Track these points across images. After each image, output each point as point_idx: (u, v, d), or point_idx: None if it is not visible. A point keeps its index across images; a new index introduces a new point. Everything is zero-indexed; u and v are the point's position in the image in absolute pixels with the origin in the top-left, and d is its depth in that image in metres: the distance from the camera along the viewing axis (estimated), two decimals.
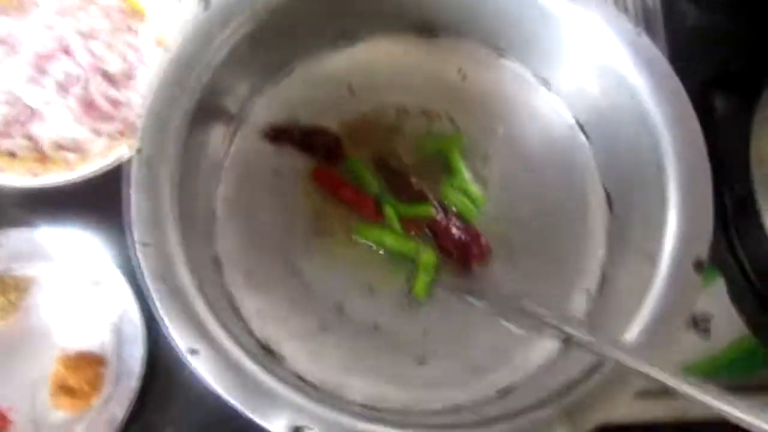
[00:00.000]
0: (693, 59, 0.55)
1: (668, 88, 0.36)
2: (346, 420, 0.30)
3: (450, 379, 0.39)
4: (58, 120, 0.56)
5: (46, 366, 0.55)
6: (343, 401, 0.36)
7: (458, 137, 0.43)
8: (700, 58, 0.55)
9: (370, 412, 0.35)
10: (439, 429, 0.31)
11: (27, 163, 0.56)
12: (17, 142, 0.56)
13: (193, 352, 0.30)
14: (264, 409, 0.30)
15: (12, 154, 0.57)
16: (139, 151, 0.33)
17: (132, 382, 0.53)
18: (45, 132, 0.56)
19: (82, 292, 0.56)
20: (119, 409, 0.53)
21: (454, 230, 0.40)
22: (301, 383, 0.36)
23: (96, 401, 0.54)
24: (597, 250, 0.42)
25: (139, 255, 0.31)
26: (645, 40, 0.37)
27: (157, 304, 0.31)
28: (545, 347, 0.39)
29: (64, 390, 0.54)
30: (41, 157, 0.57)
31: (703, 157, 0.35)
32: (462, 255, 0.40)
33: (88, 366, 0.55)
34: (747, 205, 0.48)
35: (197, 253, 0.36)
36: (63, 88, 0.57)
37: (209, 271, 0.38)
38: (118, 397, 0.53)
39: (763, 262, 0.49)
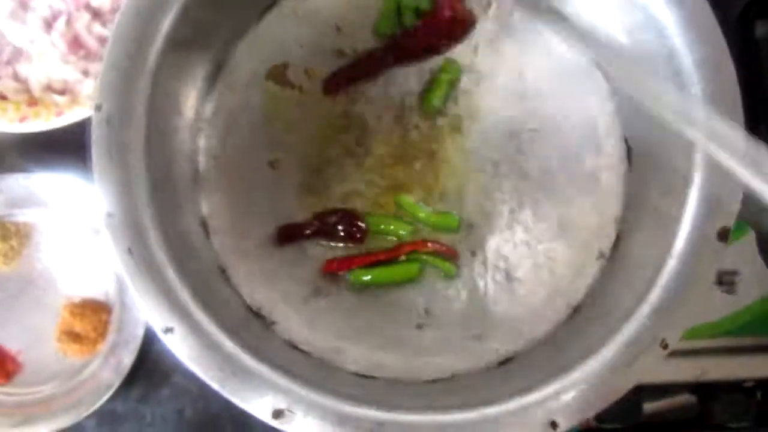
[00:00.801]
0: None
1: (701, 26, 0.31)
2: (329, 402, 0.29)
3: (449, 346, 0.37)
4: (44, 59, 0.53)
5: (53, 312, 0.55)
6: (335, 372, 0.34)
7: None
8: None
9: (361, 384, 0.33)
10: (427, 411, 0.29)
11: (18, 106, 0.54)
12: (6, 84, 0.54)
13: (168, 330, 0.29)
14: (244, 391, 0.29)
15: (2, 97, 0.55)
16: (98, 108, 0.30)
17: (137, 330, 0.53)
18: (33, 73, 0.54)
19: (84, 239, 0.55)
20: (126, 355, 0.53)
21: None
22: (292, 352, 0.35)
23: (102, 347, 0.55)
24: (613, 208, 0.38)
25: (105, 226, 0.29)
26: None
27: (127, 279, 0.29)
28: (551, 315, 0.37)
29: (71, 336, 0.55)
30: (31, 99, 0.55)
31: (738, 109, 0.30)
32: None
33: (93, 313, 0.55)
34: None
35: (179, 218, 0.33)
36: (47, 24, 0.53)
37: (195, 235, 0.36)
38: (124, 343, 0.54)
39: None
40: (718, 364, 0.45)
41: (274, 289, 0.38)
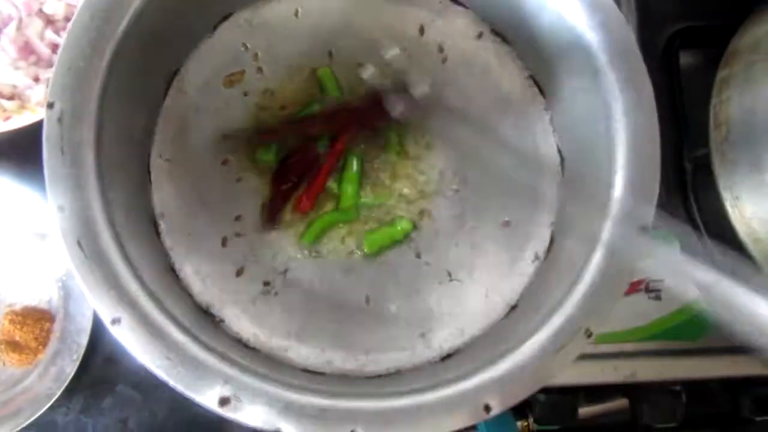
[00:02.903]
0: (661, 13, 0.53)
1: (623, 46, 0.34)
2: (273, 390, 0.30)
3: (396, 343, 0.39)
4: None
5: None
6: (284, 367, 0.35)
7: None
8: (668, 11, 0.53)
9: (309, 378, 0.34)
10: (368, 398, 0.30)
11: None
12: None
13: (116, 321, 0.29)
14: (190, 379, 0.29)
15: None
16: (50, 105, 0.30)
17: (80, 338, 0.53)
18: None
19: (27, 246, 0.55)
20: (68, 365, 0.52)
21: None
22: (241, 348, 0.36)
23: (43, 357, 0.53)
24: (548, 215, 0.41)
25: (56, 220, 0.30)
26: None
27: (74, 271, 0.29)
28: (490, 313, 0.39)
29: (11, 345, 0.53)
30: None
31: (654, 123, 0.34)
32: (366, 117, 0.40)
33: (35, 322, 0.54)
34: (705, 166, 0.47)
35: (127, 218, 0.34)
36: None
37: (145, 234, 0.36)
38: (67, 352, 0.53)
39: (718, 226, 0.48)
40: (646, 366, 0.48)
41: (223, 288, 0.38)
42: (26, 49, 0.54)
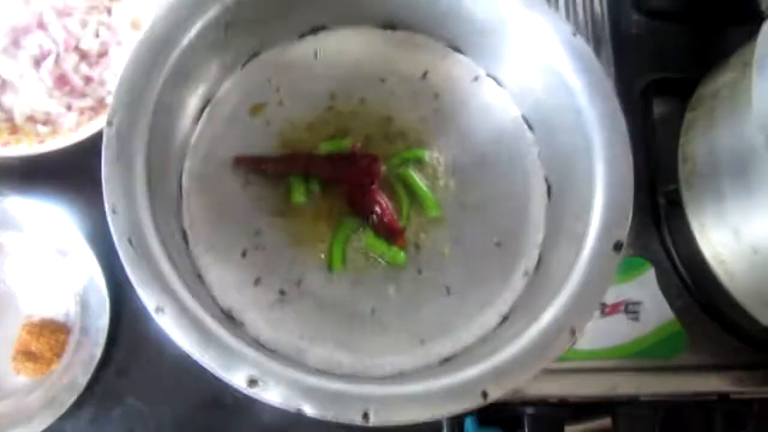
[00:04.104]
0: (636, 65, 0.60)
1: (601, 89, 0.40)
2: (296, 375, 0.33)
3: (398, 349, 0.42)
4: (30, 93, 0.58)
5: (11, 332, 0.56)
6: (299, 365, 0.39)
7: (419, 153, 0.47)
8: (643, 64, 0.59)
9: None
10: (379, 384, 0.34)
11: (0, 133, 0.57)
12: None
13: (159, 310, 0.33)
14: (223, 361, 0.33)
15: None
16: (110, 123, 0.35)
17: (94, 351, 0.55)
18: (17, 104, 0.58)
19: (49, 261, 0.58)
20: (80, 376, 0.55)
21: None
22: (260, 348, 0.39)
23: (57, 367, 0.56)
24: (537, 235, 0.45)
25: (110, 220, 0.34)
26: (580, 41, 0.40)
27: (126, 266, 0.33)
28: (485, 323, 0.43)
29: (27, 355, 0.56)
30: (13, 128, 0.59)
31: (627, 152, 0.39)
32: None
33: (51, 333, 0.56)
34: (676, 201, 0.53)
35: (166, 224, 0.38)
36: (36, 61, 0.58)
37: (177, 241, 0.40)
38: (80, 364, 0.55)
39: (688, 253, 0.53)
40: (626, 381, 0.52)
41: (243, 295, 0.42)
42: (62, 81, 0.58)
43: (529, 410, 0.53)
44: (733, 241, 0.46)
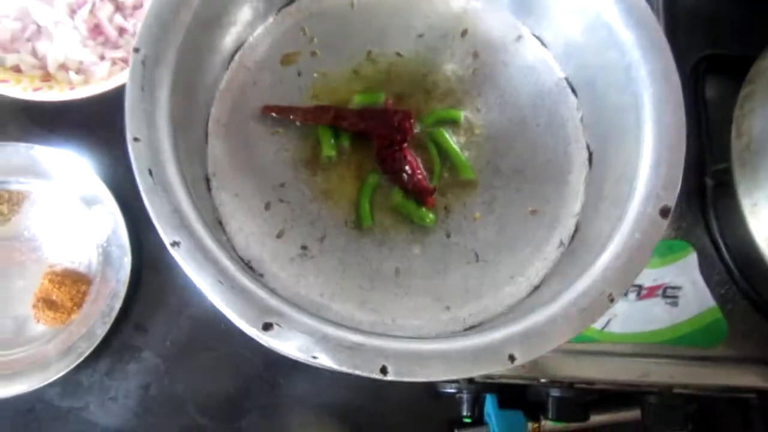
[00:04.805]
0: (688, 41, 0.57)
1: (654, 43, 0.37)
2: (310, 321, 0.32)
3: (422, 312, 0.40)
4: (64, 41, 0.57)
5: (33, 280, 0.56)
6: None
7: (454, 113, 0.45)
8: (696, 40, 0.56)
9: None
10: (399, 339, 0.32)
11: (32, 79, 0.57)
12: (23, 58, 0.58)
13: (175, 244, 0.32)
14: (237, 303, 0.32)
15: (17, 70, 0.58)
16: (136, 50, 0.34)
17: (113, 303, 0.55)
18: (51, 51, 0.57)
19: (75, 211, 0.58)
20: (99, 327, 0.54)
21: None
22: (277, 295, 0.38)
23: (76, 317, 0.56)
24: (574, 204, 0.43)
25: (130, 149, 0.33)
26: None
27: (144, 197, 0.32)
28: (514, 292, 0.41)
29: (47, 304, 0.56)
30: (45, 75, 0.58)
31: (681, 112, 0.36)
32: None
33: (73, 283, 0.56)
34: (725, 183, 0.50)
35: (189, 163, 0.37)
36: (72, 10, 0.58)
37: (199, 186, 0.39)
38: (99, 315, 0.55)
39: (736, 237, 0.50)
40: (658, 369, 0.50)
41: (264, 246, 0.41)
42: (96, 30, 0.58)
43: (554, 392, 0.51)
44: None
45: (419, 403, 0.58)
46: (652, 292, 0.51)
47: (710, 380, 0.50)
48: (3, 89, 0.54)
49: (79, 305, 0.56)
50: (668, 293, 0.51)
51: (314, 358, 0.31)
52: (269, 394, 0.57)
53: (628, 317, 0.51)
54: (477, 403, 0.55)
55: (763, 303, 0.50)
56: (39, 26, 0.58)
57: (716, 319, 0.51)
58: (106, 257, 0.57)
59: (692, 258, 0.52)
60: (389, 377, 0.31)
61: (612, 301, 0.33)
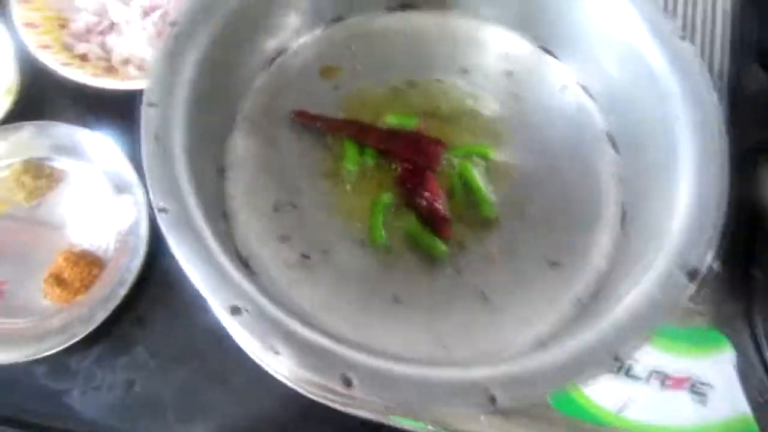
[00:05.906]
0: (748, 126, 0.54)
1: (700, 96, 0.35)
2: (280, 315, 0.30)
3: (414, 348, 0.37)
4: (133, 38, 0.60)
5: (49, 255, 0.57)
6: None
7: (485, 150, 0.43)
8: (755, 126, 0.53)
9: None
10: (371, 355, 0.30)
11: (95, 69, 0.60)
12: (92, 48, 0.61)
13: (162, 210, 0.31)
14: (212, 282, 0.30)
15: (85, 59, 0.61)
16: (173, 24, 0.35)
17: (118, 290, 0.54)
18: (118, 46, 0.61)
19: (104, 197, 0.59)
20: (99, 312, 0.54)
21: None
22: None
23: (82, 298, 0.55)
24: (599, 263, 0.40)
25: (143, 113, 0.33)
26: (686, 45, 0.36)
27: (144, 160, 0.32)
28: (517, 345, 0.37)
29: (57, 280, 0.56)
30: (109, 67, 0.61)
31: (722, 170, 0.33)
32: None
33: (86, 265, 0.56)
34: None
35: (205, 148, 0.37)
36: (145, 12, 0.61)
37: (210, 172, 0.39)
38: (101, 300, 0.55)
39: None
40: None
41: (265, 247, 0.39)
42: (162, 34, 0.61)
43: None
44: None
45: None
46: (678, 383, 0.46)
47: None
48: (67, 72, 0.57)
49: (87, 287, 0.56)
50: (696, 389, 0.46)
51: (276, 353, 0.28)
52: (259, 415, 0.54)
53: (648, 406, 0.45)
54: None
55: None
56: (113, 23, 0.61)
57: (749, 428, 0.45)
58: (123, 245, 0.57)
59: (728, 354, 0.47)
60: (352, 391, 0.28)
61: (616, 360, 0.29)
